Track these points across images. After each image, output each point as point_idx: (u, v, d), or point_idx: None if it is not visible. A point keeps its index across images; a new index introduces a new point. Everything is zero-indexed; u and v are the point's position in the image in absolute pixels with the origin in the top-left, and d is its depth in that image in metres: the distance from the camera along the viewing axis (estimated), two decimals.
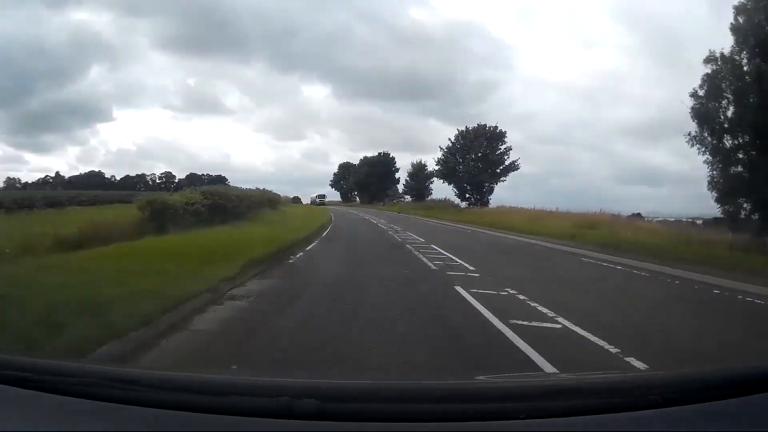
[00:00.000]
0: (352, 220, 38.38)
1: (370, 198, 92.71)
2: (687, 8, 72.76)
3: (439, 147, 55.61)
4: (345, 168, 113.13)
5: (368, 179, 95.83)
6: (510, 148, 53.44)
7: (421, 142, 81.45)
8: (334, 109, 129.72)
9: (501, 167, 53.64)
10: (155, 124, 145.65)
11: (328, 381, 1.66)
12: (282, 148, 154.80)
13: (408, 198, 77.99)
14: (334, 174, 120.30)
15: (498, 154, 53.17)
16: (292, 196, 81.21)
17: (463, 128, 54.76)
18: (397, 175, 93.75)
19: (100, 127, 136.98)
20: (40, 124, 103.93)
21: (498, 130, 53.33)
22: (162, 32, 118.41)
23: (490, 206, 48.80)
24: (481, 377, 1.96)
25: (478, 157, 53.24)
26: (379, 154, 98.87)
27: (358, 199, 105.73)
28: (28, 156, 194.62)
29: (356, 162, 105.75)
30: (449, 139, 55.40)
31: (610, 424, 1.31)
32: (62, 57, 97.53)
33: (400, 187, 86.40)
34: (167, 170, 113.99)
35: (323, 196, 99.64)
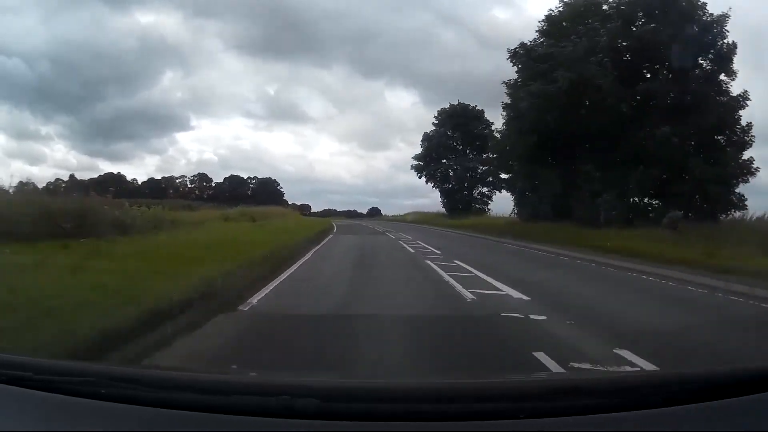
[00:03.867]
0: None
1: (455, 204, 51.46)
2: None
3: None
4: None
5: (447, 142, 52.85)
6: None
7: None
8: (422, 117, 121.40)
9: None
10: (235, 132, 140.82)
11: (328, 381, 1.66)
12: (368, 158, 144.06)
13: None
14: (422, 148, 56.63)
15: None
16: (308, 208, 56.04)
17: None
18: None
19: (179, 136, 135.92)
20: (114, 132, 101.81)
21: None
22: (237, 35, 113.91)
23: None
24: (481, 377, 1.97)
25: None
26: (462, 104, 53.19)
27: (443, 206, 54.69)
28: (103, 164, 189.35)
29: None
30: None
31: (610, 424, 1.31)
32: (132, 62, 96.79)
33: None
34: (201, 172, 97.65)
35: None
